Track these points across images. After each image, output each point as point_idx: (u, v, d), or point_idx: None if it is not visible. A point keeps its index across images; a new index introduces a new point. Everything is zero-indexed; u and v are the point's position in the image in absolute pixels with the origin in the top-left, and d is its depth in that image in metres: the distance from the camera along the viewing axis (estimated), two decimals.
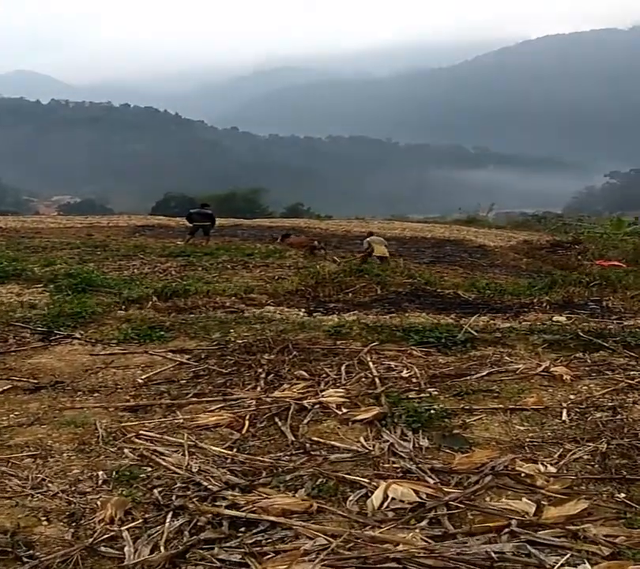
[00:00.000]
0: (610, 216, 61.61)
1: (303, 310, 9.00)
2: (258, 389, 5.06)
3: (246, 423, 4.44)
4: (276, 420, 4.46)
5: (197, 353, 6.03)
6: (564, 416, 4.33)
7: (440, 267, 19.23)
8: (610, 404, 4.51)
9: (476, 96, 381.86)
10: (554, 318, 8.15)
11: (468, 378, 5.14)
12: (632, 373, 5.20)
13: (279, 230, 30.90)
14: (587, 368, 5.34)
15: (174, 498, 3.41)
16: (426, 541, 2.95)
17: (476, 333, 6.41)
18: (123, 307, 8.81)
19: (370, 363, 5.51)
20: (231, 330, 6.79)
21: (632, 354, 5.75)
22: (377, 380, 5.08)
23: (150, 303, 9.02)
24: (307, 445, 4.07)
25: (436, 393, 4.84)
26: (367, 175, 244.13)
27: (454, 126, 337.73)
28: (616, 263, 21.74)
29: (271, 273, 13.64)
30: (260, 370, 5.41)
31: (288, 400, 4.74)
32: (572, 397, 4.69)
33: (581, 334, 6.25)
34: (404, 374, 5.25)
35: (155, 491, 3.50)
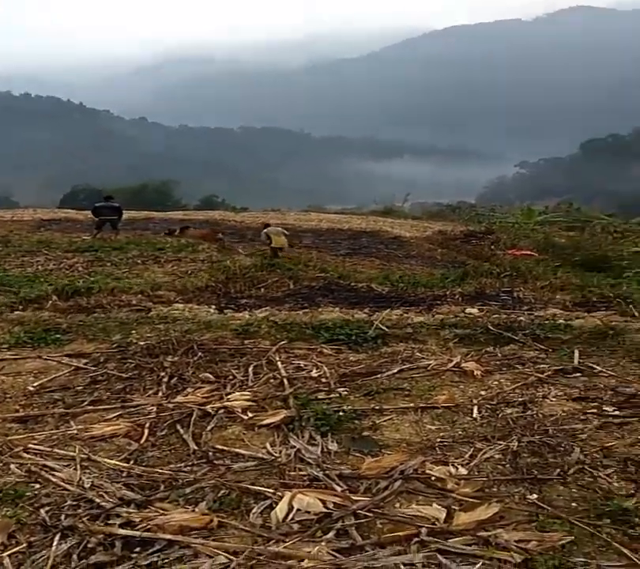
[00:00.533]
0: (521, 206, 63.35)
1: (213, 307, 8.74)
2: (160, 394, 4.75)
3: (146, 432, 4.14)
4: (178, 427, 4.18)
5: (95, 357, 5.63)
6: (475, 414, 4.22)
7: (357, 259, 19.23)
8: (520, 399, 4.43)
9: (385, 86, 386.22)
10: (466, 310, 8.14)
11: (379, 376, 4.98)
12: (542, 366, 5.15)
13: (192, 223, 30.28)
14: (498, 363, 5.27)
15: (63, 517, 3.12)
16: (333, 555, 2.77)
17: (387, 329, 6.28)
18: (20, 307, 8.33)
19: (279, 363, 5.29)
20: (133, 331, 6.44)
21: (541, 347, 5.71)
22: (285, 381, 4.87)
23: (50, 302, 8.56)
24: (210, 454, 3.81)
25: (346, 393, 4.66)
26: (281, 166, 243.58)
27: (367, 117, 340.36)
28: (528, 252, 22.20)
29: (183, 267, 13.26)
30: (162, 373, 5.10)
31: (190, 405, 4.46)
32: (483, 393, 4.60)
33: (491, 328, 6.19)
34: (314, 373, 5.06)
35: (42, 510, 3.20)
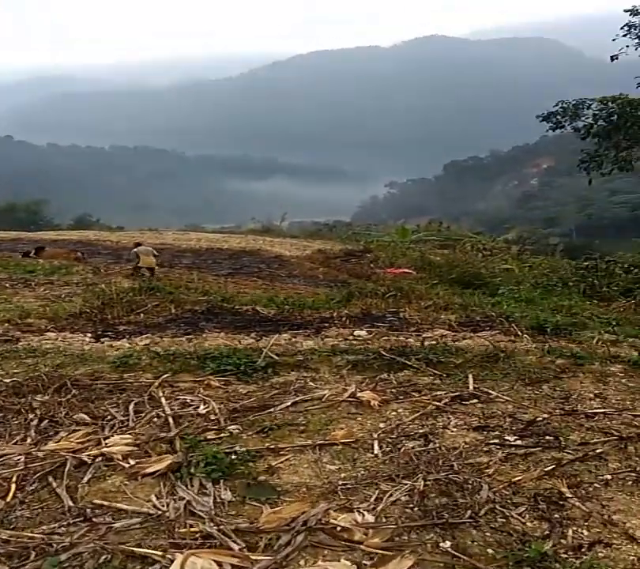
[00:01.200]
0: (395, 224, 64.96)
1: (88, 335, 8.15)
2: (28, 440, 4.21)
3: (13, 487, 3.64)
4: (51, 479, 3.69)
5: None
6: (376, 449, 3.96)
7: (239, 279, 18.97)
8: (421, 431, 4.22)
9: (255, 108, 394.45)
10: (355, 333, 7.99)
11: (272, 410, 4.66)
12: (438, 393, 5.00)
13: (65, 243, 29.05)
14: (393, 390, 5.08)
15: None
16: None
17: (276, 357, 5.97)
18: None
19: (163, 399, 4.85)
20: None
21: (435, 372, 5.57)
22: (170, 420, 4.44)
23: None
24: (88, 510, 3.35)
25: (238, 431, 4.28)
26: (156, 185, 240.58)
27: (240, 137, 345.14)
28: (406, 271, 22.61)
29: (57, 291, 12.50)
30: (31, 416, 4.53)
31: (64, 453, 3.97)
32: (382, 425, 4.37)
33: (384, 353, 6.02)
34: (202, 409, 4.66)
35: None
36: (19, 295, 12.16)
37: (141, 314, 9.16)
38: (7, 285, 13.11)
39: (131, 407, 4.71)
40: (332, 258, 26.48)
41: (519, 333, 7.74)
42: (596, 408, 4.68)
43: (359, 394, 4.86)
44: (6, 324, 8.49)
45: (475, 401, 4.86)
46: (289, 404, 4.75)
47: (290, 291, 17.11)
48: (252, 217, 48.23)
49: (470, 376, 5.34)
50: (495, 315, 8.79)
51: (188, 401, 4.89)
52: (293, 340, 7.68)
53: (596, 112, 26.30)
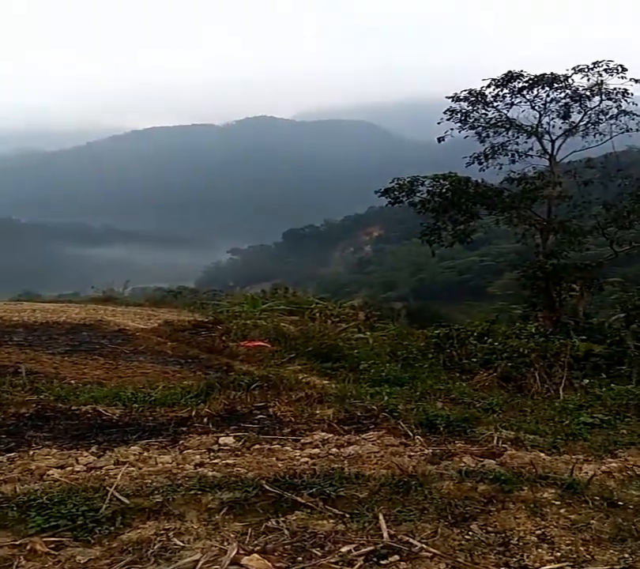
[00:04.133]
0: (241, 291, 64.32)
1: None
2: None
3: None
4: None
5: None
6: None
7: (78, 358, 17.09)
8: None
9: (92, 178, 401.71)
10: (220, 441, 6.71)
11: None
12: (346, 550, 3.80)
13: None
14: (287, 547, 3.81)
15: None
16: None
17: (127, 501, 4.54)
18: None
19: None
20: None
21: (336, 511, 4.36)
22: None
23: None
24: None
25: None
26: None
27: (74, 206, 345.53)
28: (261, 343, 21.66)
29: None
30: None
31: None
32: None
33: (268, 487, 4.74)
34: None
35: None
36: None
37: None
38: None
39: None
40: (180, 331, 24.91)
41: (409, 433, 6.78)
42: (548, 562, 3.68)
43: (243, 561, 3.57)
44: None
45: (396, 558, 3.71)
46: None
47: (136, 370, 15.52)
48: (92, 286, 45.75)
49: (381, 517, 4.19)
50: (377, 409, 7.80)
51: None
52: (145, 454, 6.28)
53: (430, 189, 27.73)
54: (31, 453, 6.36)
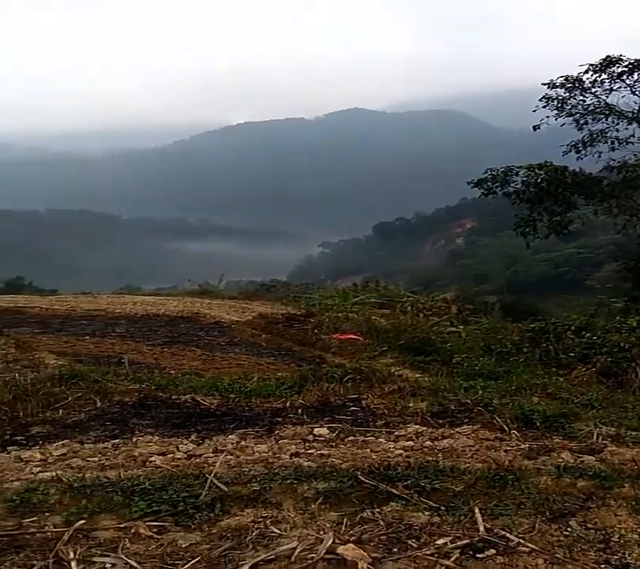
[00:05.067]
0: (332, 284, 64.60)
1: None
2: None
3: None
4: None
5: None
6: None
7: (176, 349, 17.68)
8: None
9: (190, 173, 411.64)
10: (315, 431, 6.80)
11: None
12: (442, 542, 3.80)
13: None
14: (383, 538, 3.84)
15: None
16: None
17: (226, 488, 4.67)
18: None
19: (73, 564, 3.54)
20: None
21: (431, 504, 4.35)
22: None
23: None
24: None
25: None
26: (93, 247, 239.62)
27: (174, 201, 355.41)
28: (353, 336, 21.75)
29: None
30: None
31: None
32: None
33: (363, 478, 4.78)
34: None
35: None
36: None
37: (60, 410, 7.75)
38: None
39: None
40: (274, 323, 25.33)
41: (505, 427, 6.67)
42: None
43: (339, 550, 3.62)
44: None
45: (492, 552, 3.68)
46: (247, 568, 3.49)
47: (232, 361, 15.89)
48: (189, 279, 47.10)
49: (477, 510, 4.16)
50: (472, 403, 7.71)
51: (108, 565, 3.58)
52: (242, 443, 6.43)
53: (525, 179, 27.07)
54: (134, 440, 6.63)
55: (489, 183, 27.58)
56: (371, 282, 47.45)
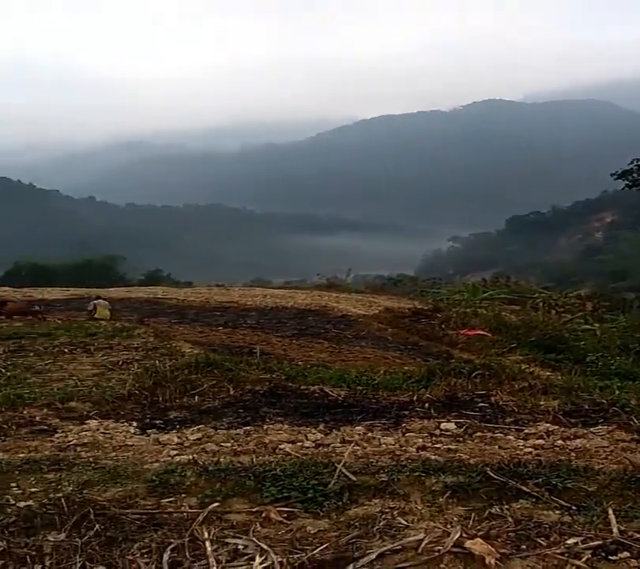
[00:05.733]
0: (461, 280, 63.48)
1: (134, 424, 7.15)
2: None
3: None
4: None
5: None
6: None
7: (304, 341, 18.08)
8: None
9: (321, 169, 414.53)
10: (442, 426, 6.77)
11: (352, 566, 3.47)
12: (573, 541, 3.71)
13: (131, 301, 28.77)
14: (511, 534, 3.79)
15: None
16: None
17: (354, 478, 4.75)
18: None
19: (208, 545, 3.72)
20: (14, 485, 4.71)
21: (562, 503, 4.26)
22: None
23: None
24: None
25: None
26: (226, 241, 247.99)
27: (304, 197, 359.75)
28: (481, 332, 21.41)
29: (115, 356, 11.74)
30: (38, 568, 3.49)
31: None
32: None
33: (492, 474, 4.72)
34: (257, 565, 3.50)
35: None
36: (76, 361, 11.49)
37: (196, 397, 8.13)
38: (66, 350, 12.44)
39: (166, 556, 3.57)
40: (400, 318, 25.33)
41: None
42: None
43: (467, 544, 3.61)
44: (45, 409, 7.56)
45: (626, 554, 3.54)
46: (374, 557, 3.54)
47: (358, 354, 16.05)
48: (317, 273, 47.84)
49: (610, 512, 4.02)
50: (607, 403, 7.42)
51: (240, 547, 3.73)
52: (369, 435, 6.50)
53: None
54: (265, 427, 6.85)
55: (635, 175, 26.28)
56: (501, 277, 46.42)
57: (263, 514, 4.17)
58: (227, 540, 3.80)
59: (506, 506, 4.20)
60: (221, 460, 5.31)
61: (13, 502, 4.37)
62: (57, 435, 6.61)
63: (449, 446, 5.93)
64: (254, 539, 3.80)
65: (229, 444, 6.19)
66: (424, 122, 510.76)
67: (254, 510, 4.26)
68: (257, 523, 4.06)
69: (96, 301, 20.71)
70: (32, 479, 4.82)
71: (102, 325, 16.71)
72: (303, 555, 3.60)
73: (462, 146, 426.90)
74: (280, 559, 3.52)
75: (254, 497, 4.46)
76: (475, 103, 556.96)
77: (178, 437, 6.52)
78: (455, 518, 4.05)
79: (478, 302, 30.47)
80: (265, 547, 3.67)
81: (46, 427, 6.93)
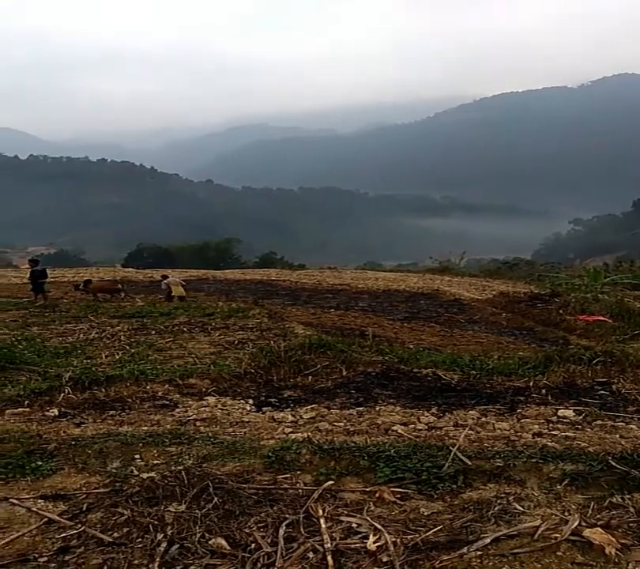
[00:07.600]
0: (580, 264, 61.01)
1: (251, 401, 7.36)
2: None
3: None
4: None
5: (77, 501, 4.15)
6: None
7: (416, 324, 17.95)
8: None
9: (438, 149, 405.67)
10: (559, 413, 6.59)
11: (466, 549, 3.45)
12: None
13: (247, 283, 29.50)
14: (633, 525, 3.67)
15: None
16: None
17: (468, 462, 4.70)
18: (26, 402, 7.08)
19: (322, 522, 3.79)
20: (137, 456, 4.97)
21: None
22: (329, 558, 3.38)
23: (62, 395, 7.31)
24: None
25: None
26: (338, 224, 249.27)
27: (420, 178, 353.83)
28: (601, 318, 20.56)
29: (231, 336, 12.12)
30: (160, 536, 3.66)
31: None
32: None
33: (614, 464, 4.55)
34: (371, 543, 3.54)
35: None
36: (194, 340, 11.90)
37: (309, 377, 8.26)
38: (185, 329, 12.95)
39: (282, 531, 3.67)
40: (515, 302, 24.67)
41: None
42: None
43: (586, 533, 3.51)
44: (167, 385, 7.90)
45: None
46: (488, 542, 3.50)
47: (470, 339, 15.80)
48: (430, 256, 47.30)
49: None
50: None
51: (353, 525, 3.78)
52: (483, 420, 6.41)
53: None
54: (377, 408, 6.90)
55: None
56: (625, 262, 44.36)
57: (377, 494, 4.20)
58: (341, 518, 3.86)
59: (628, 496, 4.05)
60: (335, 439, 5.39)
61: (137, 473, 4.60)
62: (177, 410, 6.90)
63: (567, 434, 5.77)
64: (368, 518, 3.84)
65: (342, 424, 6.27)
66: (550, 98, 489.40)
67: (367, 489, 4.30)
68: (371, 502, 4.10)
69: (166, 280, 21.29)
70: (155, 451, 5.06)
71: (218, 306, 17.21)
72: (417, 536, 3.61)
73: (590, 124, 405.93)
74: (393, 539, 3.54)
75: (367, 477, 4.51)
76: (605, 78, 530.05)
77: (293, 415, 6.66)
78: (573, 507, 3.94)
79: (599, 287, 29.21)
80: (378, 526, 3.70)
81: (167, 402, 7.24)
